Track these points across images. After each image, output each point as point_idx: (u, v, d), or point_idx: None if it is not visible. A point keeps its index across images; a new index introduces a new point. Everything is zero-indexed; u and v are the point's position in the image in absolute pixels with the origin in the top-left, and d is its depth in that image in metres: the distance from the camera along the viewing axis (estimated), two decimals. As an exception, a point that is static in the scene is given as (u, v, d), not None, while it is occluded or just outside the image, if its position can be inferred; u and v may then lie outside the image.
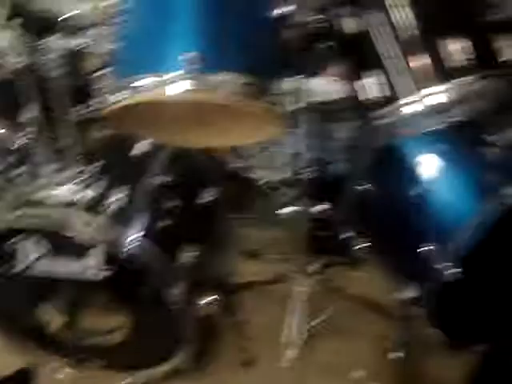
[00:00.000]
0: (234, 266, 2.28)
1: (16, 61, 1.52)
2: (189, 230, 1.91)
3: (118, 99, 1.32)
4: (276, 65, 1.37)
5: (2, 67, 1.54)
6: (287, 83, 1.39)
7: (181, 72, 1.25)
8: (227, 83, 1.27)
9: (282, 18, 1.37)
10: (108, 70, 1.43)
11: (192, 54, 1.25)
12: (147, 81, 1.28)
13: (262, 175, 2.03)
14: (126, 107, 1.33)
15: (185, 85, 1.25)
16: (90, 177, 1.73)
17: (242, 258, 2.36)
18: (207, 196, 1.99)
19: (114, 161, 1.88)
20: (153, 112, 1.44)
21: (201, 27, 1.30)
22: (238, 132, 1.53)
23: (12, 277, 1.77)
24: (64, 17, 1.67)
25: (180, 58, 1.25)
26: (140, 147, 1.91)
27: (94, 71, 1.63)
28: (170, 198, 1.85)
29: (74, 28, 1.66)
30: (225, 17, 1.32)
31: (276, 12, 1.36)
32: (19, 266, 1.74)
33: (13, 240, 1.70)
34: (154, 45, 1.31)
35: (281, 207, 1.99)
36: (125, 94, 1.31)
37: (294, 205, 1.98)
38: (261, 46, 1.35)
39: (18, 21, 1.58)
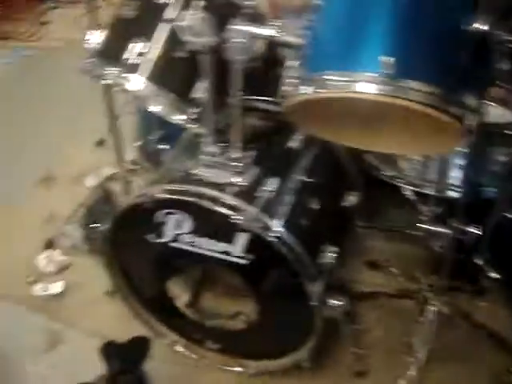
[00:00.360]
0: (358, 274, 2.27)
1: (202, 40, 1.55)
2: (329, 230, 1.92)
3: (305, 92, 1.33)
4: (466, 79, 1.35)
5: (189, 43, 1.57)
6: (471, 100, 1.36)
7: (374, 74, 1.26)
8: (418, 91, 1.26)
9: (478, 34, 1.34)
10: (294, 62, 1.44)
11: (387, 58, 1.24)
12: (338, 77, 1.29)
13: (411, 187, 2.00)
14: (310, 101, 1.34)
15: (376, 87, 1.26)
16: (245, 164, 1.74)
17: (366, 266, 2.35)
18: (351, 199, 1.98)
19: (268, 151, 1.90)
20: (331, 109, 1.45)
21: (399, 33, 1.30)
22: (409, 141, 1.53)
23: (155, 245, 1.81)
24: (248, 3, 1.70)
25: (374, 59, 1.26)
26: (295, 141, 1.92)
27: (277, 61, 1.66)
28: (315, 196, 1.84)
29: (257, 15, 1.69)
30: (423, 25, 1.32)
31: (473, 28, 1.33)
32: (166, 236, 1.77)
33: (164, 211, 1.72)
34: (349, 43, 1.33)
35: (422, 222, 1.95)
36: (313, 87, 1.32)
37: (436, 222, 1.94)
38: (454, 59, 1.33)
39: (201, 3, 1.62)
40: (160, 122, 2.21)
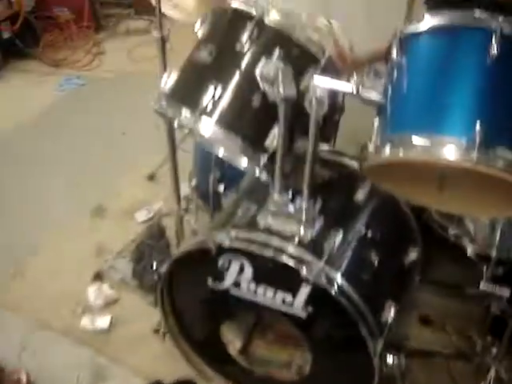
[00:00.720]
0: (411, 329, 2.23)
1: (279, 90, 1.55)
2: (390, 285, 1.89)
3: (391, 153, 1.33)
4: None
5: (265, 92, 1.57)
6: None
7: (461, 139, 1.26)
8: (504, 159, 1.25)
9: None
10: (375, 120, 1.43)
11: (474, 123, 1.24)
12: (425, 140, 1.28)
13: (475, 246, 1.97)
14: (393, 162, 1.33)
15: (463, 153, 1.26)
16: (311, 214, 1.73)
17: (420, 322, 2.30)
18: (412, 255, 1.95)
19: (334, 201, 1.89)
20: (410, 168, 1.43)
21: (486, 99, 1.31)
22: (482, 203, 1.51)
23: (214, 289, 1.81)
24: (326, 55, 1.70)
25: (462, 124, 1.26)
26: (360, 193, 1.91)
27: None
28: (378, 250, 1.82)
29: (334, 68, 1.69)
30: (508, 97, 1.32)
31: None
32: (226, 282, 1.77)
33: (228, 257, 1.72)
34: (436, 106, 1.33)
35: (481, 281, 1.91)
36: (398, 149, 1.32)
37: (496, 283, 1.90)
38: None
39: (280, 52, 1.62)
40: (219, 162, 2.21)
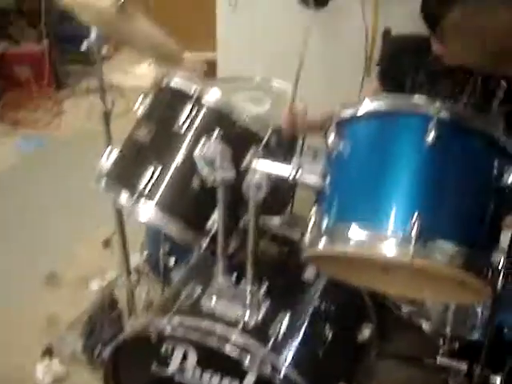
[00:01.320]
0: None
1: (218, 173, 1.51)
2: (342, 366, 1.83)
3: (327, 245, 1.29)
4: (492, 234, 1.29)
5: (203, 175, 1.52)
6: (497, 255, 1.31)
7: (400, 233, 1.22)
8: (444, 253, 1.22)
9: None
10: (315, 206, 1.39)
11: (414, 217, 1.21)
12: (359, 234, 1.24)
13: (429, 324, 1.92)
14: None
15: (402, 249, 1.22)
16: (257, 297, 1.67)
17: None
18: (365, 332, 1.90)
19: (282, 281, 1.84)
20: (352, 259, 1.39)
21: (424, 191, 1.27)
22: (431, 290, 1.47)
23: (158, 374, 1.74)
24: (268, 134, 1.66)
25: (401, 218, 1.23)
26: (312, 270, 1.86)
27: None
28: (328, 331, 1.77)
29: (276, 149, 1.66)
30: (449, 185, 1.29)
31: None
32: (170, 368, 1.70)
33: (171, 343, 1.65)
34: (375, 199, 1.30)
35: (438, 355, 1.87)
36: (335, 243, 1.28)
37: (453, 357, 1.86)
38: (478, 218, 1.29)
39: (219, 132, 1.58)
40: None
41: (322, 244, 1.32)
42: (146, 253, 2.46)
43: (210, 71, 4.22)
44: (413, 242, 1.19)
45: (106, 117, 2.01)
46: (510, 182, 1.32)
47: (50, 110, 4.66)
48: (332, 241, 1.30)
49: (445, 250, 1.21)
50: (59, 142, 4.31)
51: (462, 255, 1.23)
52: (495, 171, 1.31)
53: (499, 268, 1.28)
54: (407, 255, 1.19)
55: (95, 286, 2.88)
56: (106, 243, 3.09)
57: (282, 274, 1.89)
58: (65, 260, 3.12)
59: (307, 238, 1.37)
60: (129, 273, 2.33)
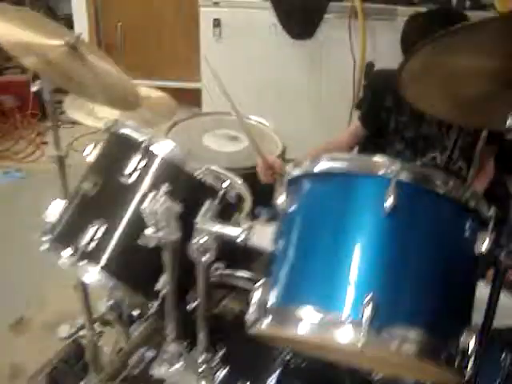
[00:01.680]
0: None
1: (163, 234, 1.36)
2: None
3: (273, 326, 1.14)
4: (460, 318, 1.15)
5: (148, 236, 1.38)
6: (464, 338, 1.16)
7: (354, 319, 1.08)
8: (400, 337, 1.05)
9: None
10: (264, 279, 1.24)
11: (370, 301, 1.07)
12: (308, 317, 1.10)
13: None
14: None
15: (356, 336, 1.06)
16: (212, 366, 1.53)
17: None
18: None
19: (241, 345, 1.68)
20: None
21: (379, 267, 1.12)
22: (402, 368, 1.31)
23: None
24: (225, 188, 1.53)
25: (355, 303, 1.09)
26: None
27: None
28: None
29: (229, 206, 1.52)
30: (408, 261, 1.15)
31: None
32: None
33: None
34: (328, 280, 1.14)
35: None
36: (283, 325, 1.14)
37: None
38: (445, 298, 1.14)
39: (167, 186, 1.44)
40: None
41: (265, 324, 1.17)
42: (111, 301, 2.31)
43: (194, 100, 4.13)
44: (366, 327, 1.03)
45: (61, 160, 1.87)
46: (484, 249, 1.17)
47: (34, 140, 4.53)
48: (277, 322, 1.15)
49: (403, 337, 1.06)
50: (40, 174, 4.16)
51: (423, 342, 1.08)
52: (466, 239, 1.17)
53: (469, 352, 1.12)
54: (357, 343, 1.04)
55: (63, 332, 2.72)
56: (77, 287, 2.94)
57: (242, 335, 1.73)
58: (33, 304, 2.98)
59: (251, 313, 1.21)
60: (92, 322, 2.17)
